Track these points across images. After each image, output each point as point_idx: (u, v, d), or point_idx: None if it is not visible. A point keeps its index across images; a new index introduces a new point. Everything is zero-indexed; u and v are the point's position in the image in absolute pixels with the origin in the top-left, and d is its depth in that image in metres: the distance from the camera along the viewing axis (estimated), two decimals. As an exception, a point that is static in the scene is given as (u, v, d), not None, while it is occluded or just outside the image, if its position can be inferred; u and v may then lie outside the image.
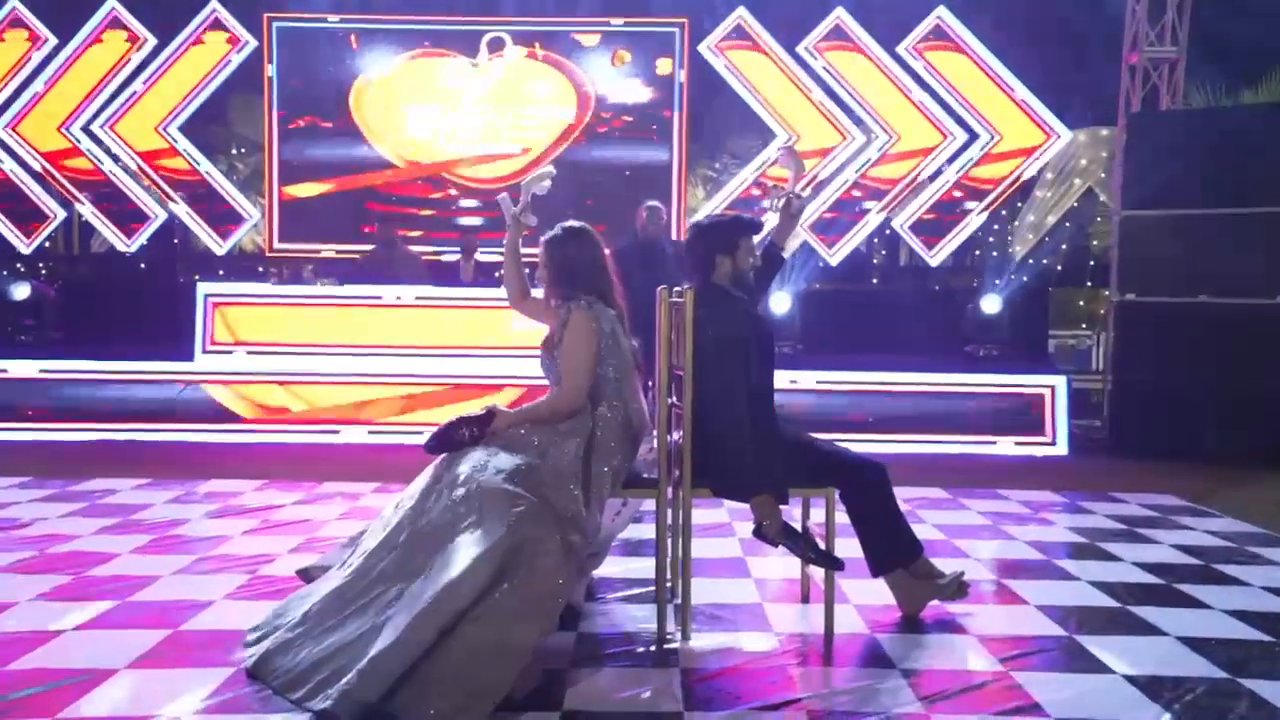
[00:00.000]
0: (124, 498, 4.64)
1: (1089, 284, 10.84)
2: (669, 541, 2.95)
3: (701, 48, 8.59)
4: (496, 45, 8.54)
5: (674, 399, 2.98)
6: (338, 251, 8.62)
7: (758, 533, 2.89)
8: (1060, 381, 6.54)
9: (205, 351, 6.73)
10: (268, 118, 8.65)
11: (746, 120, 9.40)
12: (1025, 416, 6.50)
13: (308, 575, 3.12)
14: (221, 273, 10.02)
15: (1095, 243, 10.75)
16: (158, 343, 6.85)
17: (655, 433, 2.96)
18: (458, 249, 8.04)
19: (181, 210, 8.50)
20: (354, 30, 8.58)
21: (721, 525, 4.15)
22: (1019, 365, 6.89)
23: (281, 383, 6.55)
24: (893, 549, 3.04)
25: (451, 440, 2.78)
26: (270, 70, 8.57)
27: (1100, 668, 2.68)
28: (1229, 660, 2.73)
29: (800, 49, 8.53)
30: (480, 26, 8.57)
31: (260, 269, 10.72)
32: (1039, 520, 4.47)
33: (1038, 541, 4.05)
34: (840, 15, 8.50)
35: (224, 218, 8.71)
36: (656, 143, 8.72)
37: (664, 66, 8.66)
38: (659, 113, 8.71)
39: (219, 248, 8.83)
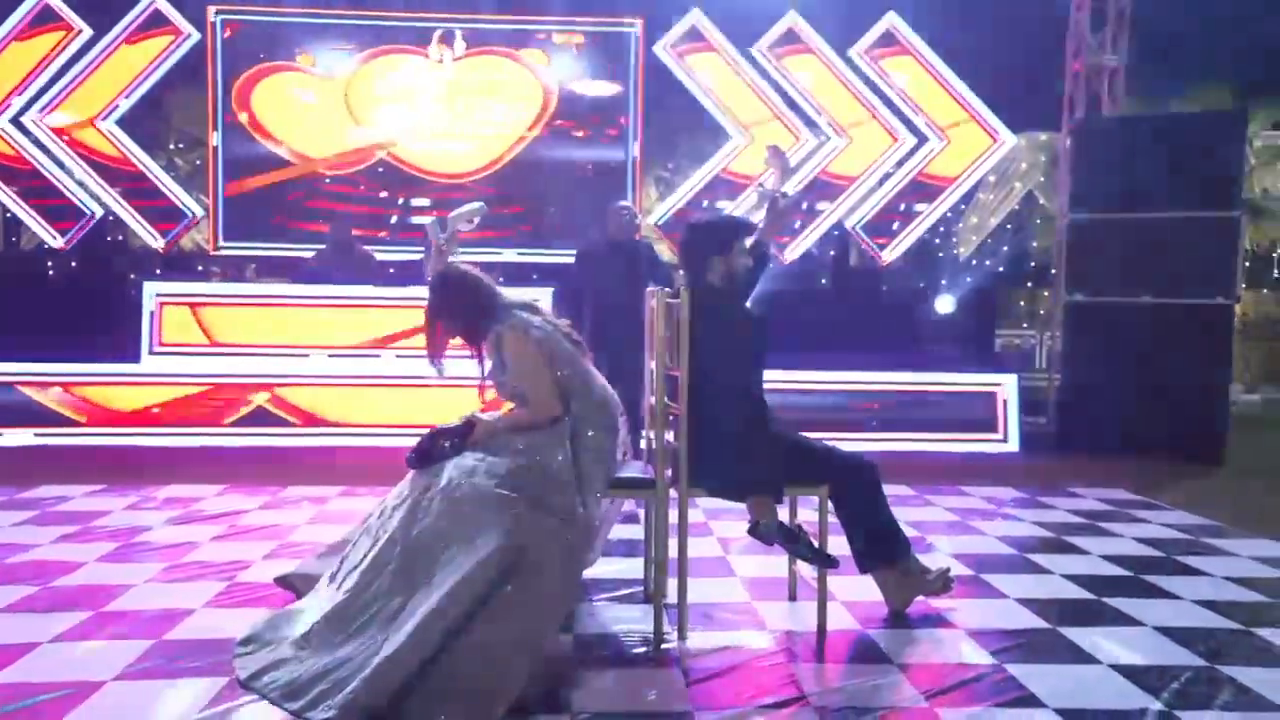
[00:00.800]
0: (78, 504, 4.46)
1: (1030, 285, 11.19)
2: (666, 542, 2.94)
3: (657, 49, 8.62)
4: (448, 40, 8.44)
5: (669, 399, 2.97)
6: (292, 251, 8.41)
7: (753, 531, 2.91)
8: (1011, 380, 6.72)
9: (152, 353, 6.51)
10: (211, 113, 8.41)
11: (700, 121, 9.46)
12: (978, 415, 6.66)
13: (288, 583, 3.05)
14: (159, 271, 9.72)
15: (1035, 244, 11.10)
16: (95, 343, 6.62)
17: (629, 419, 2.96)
18: (420, 248, 7.89)
19: (118, 206, 8.20)
20: (301, 24, 8.39)
21: (699, 525, 4.16)
22: (970, 364, 7.06)
23: (238, 385, 6.37)
24: (883, 546, 3.09)
25: (433, 454, 2.74)
26: (213, 63, 8.34)
27: (1087, 658, 2.76)
28: (1207, 649, 2.84)
29: (754, 51, 8.61)
30: (432, 23, 8.46)
31: (200, 268, 10.43)
32: (1004, 515, 4.59)
33: (1007, 536, 4.15)
34: (793, 18, 8.61)
35: (164, 215, 8.44)
36: (612, 143, 8.71)
37: (616, 69, 8.66)
38: (614, 113, 8.71)
39: (159, 246, 8.55)
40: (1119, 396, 6.36)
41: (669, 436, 2.96)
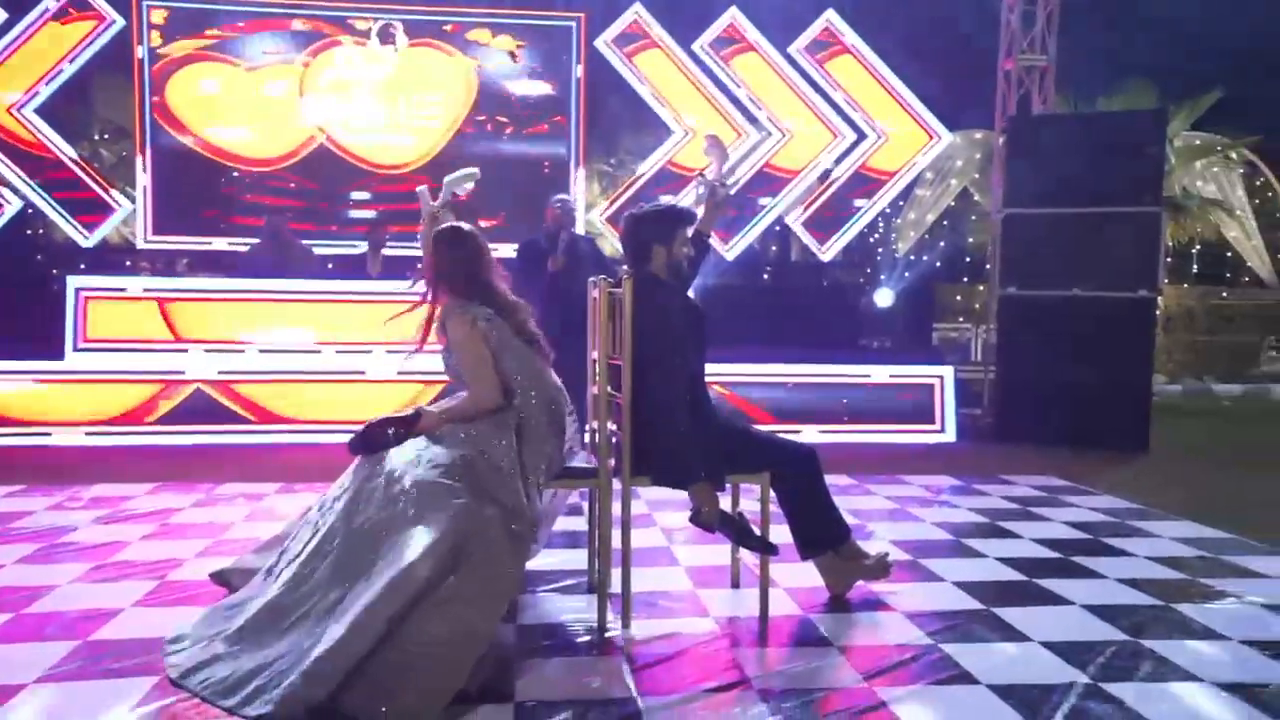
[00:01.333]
0: (-3, 506, 4.30)
1: (965, 279, 11.44)
2: (609, 532, 2.93)
3: (598, 43, 8.60)
4: (388, 35, 8.32)
5: (611, 389, 2.97)
6: (225, 245, 8.21)
7: (696, 519, 2.92)
8: (948, 372, 6.87)
9: (76, 350, 6.30)
10: (138, 102, 8.16)
11: (642, 117, 9.47)
12: (917, 406, 6.79)
13: (223, 578, 2.99)
14: (84, 266, 9.40)
15: (971, 240, 11.35)
16: (16, 341, 6.39)
17: (576, 414, 2.95)
18: (363, 241, 7.77)
19: (39, 198, 7.90)
20: (232, 10, 8.18)
21: (642, 515, 4.17)
22: (909, 357, 7.20)
23: (168, 381, 6.19)
24: (823, 532, 3.13)
25: (377, 440, 2.70)
26: (140, 51, 8.09)
27: (1019, 636, 2.83)
28: (1130, 624, 2.94)
29: (695, 47, 8.65)
30: (372, 10, 8.32)
31: (128, 262, 10.11)
32: (941, 503, 4.68)
33: (944, 522, 4.24)
34: (734, 15, 8.67)
35: (89, 207, 8.16)
36: (554, 137, 8.68)
37: (559, 64, 8.63)
38: (556, 107, 8.67)
39: (85, 239, 8.26)
40: (1051, 387, 6.53)
41: (611, 426, 2.96)
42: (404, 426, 2.71)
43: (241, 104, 8.19)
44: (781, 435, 3.27)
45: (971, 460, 5.93)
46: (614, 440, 2.94)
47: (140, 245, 8.40)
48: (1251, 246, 12.56)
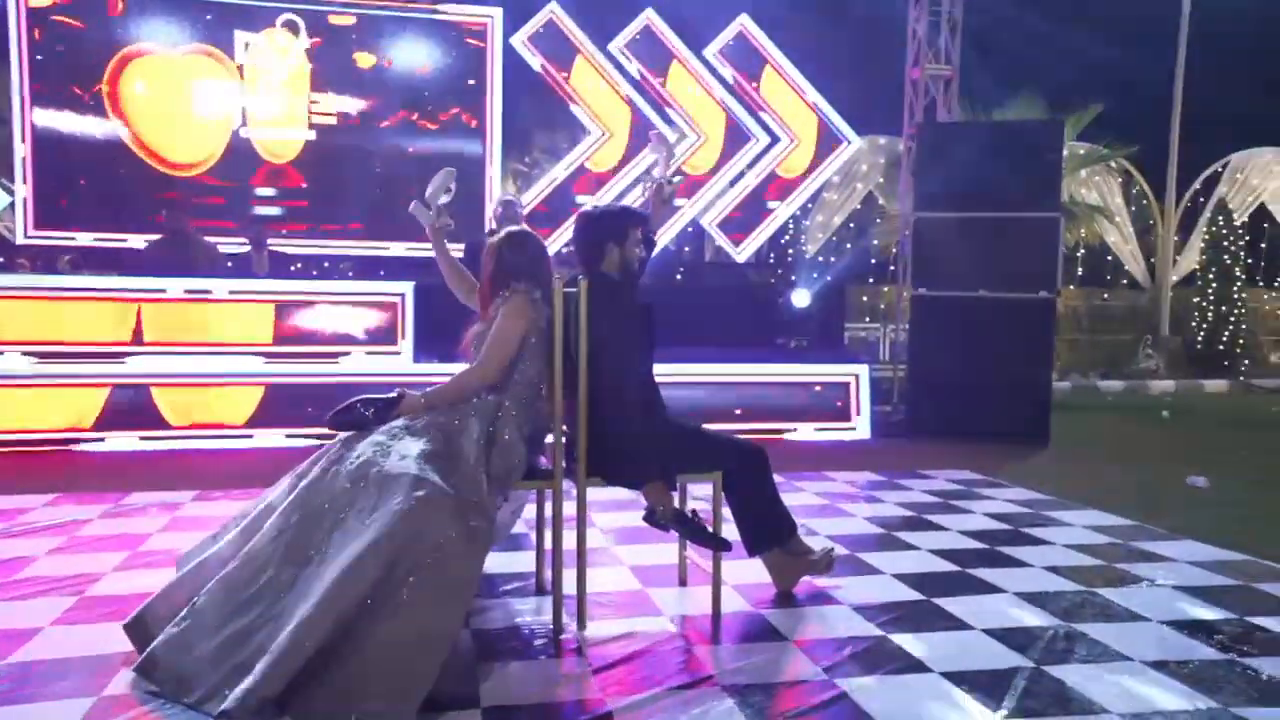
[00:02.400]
0: (-120, 521, 3.97)
1: (871, 280, 11.81)
2: (561, 533, 2.91)
3: (513, 40, 8.53)
4: (291, 28, 8.05)
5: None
6: (115, 242, 7.79)
7: (650, 518, 2.94)
8: (863, 371, 7.07)
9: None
10: (19, 89, 7.66)
11: (557, 115, 9.44)
12: (834, 404, 6.97)
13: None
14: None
15: (876, 242, 11.71)
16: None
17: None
18: (245, 241, 7.48)
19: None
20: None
21: (570, 517, 4.14)
22: (825, 356, 7.38)
23: (64, 385, 5.82)
24: (771, 529, 3.18)
25: (353, 420, 2.63)
26: (19, 35, 7.60)
27: (961, 624, 2.94)
28: (1058, 609, 3.10)
29: (611, 48, 8.68)
30: (278, 5, 8.03)
31: (1, 259, 9.50)
32: (867, 498, 4.82)
33: (874, 517, 4.37)
34: (649, 16, 8.73)
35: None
36: (468, 135, 8.55)
37: (473, 60, 8.52)
38: (471, 105, 8.55)
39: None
40: (959, 384, 6.81)
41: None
42: (383, 407, 2.66)
43: (143, 90, 7.79)
44: (730, 434, 3.30)
45: (888, 456, 6.12)
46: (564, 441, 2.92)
47: (21, 241, 7.89)
48: (1129, 250, 13.36)
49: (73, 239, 7.97)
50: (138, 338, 6.04)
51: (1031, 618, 3.01)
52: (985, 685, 2.47)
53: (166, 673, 2.26)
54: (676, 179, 3.64)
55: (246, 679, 2.11)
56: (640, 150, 8.59)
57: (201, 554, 2.65)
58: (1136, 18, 13.49)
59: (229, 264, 7.47)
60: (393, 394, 2.68)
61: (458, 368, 2.71)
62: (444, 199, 3.09)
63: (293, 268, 8.47)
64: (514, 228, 3.04)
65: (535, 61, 8.54)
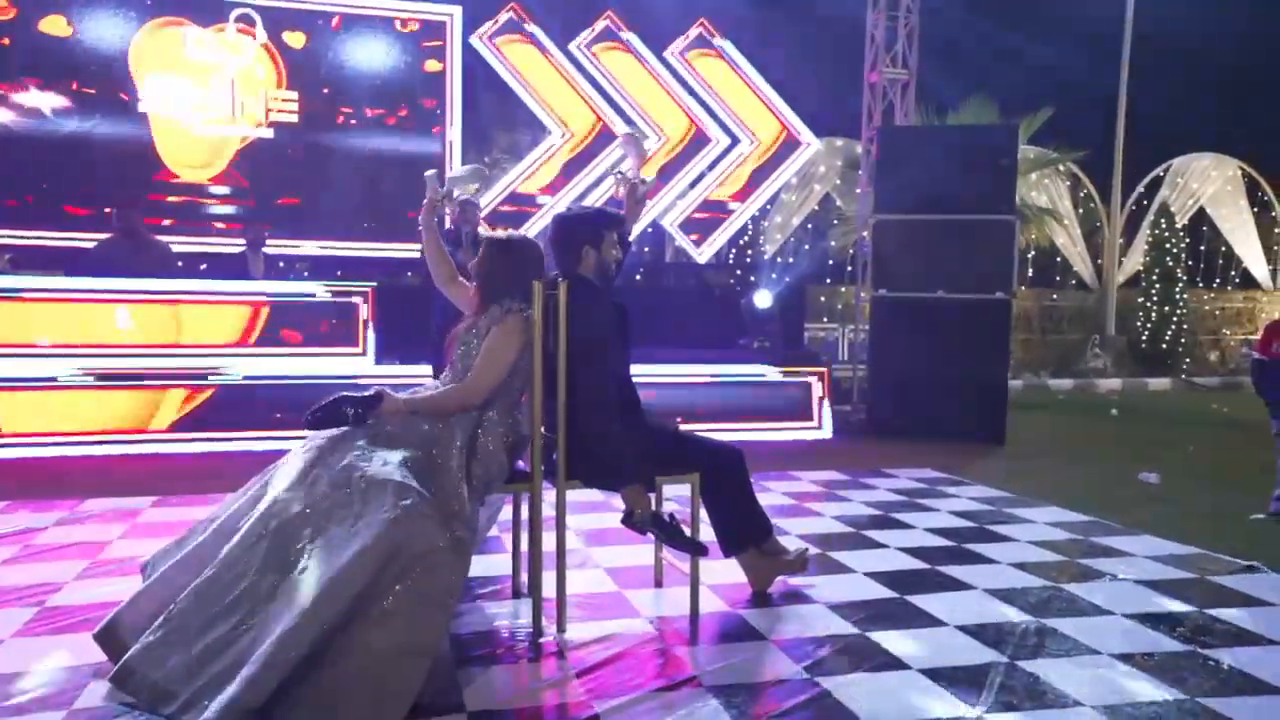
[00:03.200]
0: None
1: (829, 281, 11.93)
2: (540, 536, 2.90)
3: (473, 39, 8.48)
4: (246, 22, 7.91)
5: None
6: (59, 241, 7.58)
7: (628, 521, 2.94)
8: (824, 371, 7.15)
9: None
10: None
11: (518, 115, 9.39)
12: (795, 404, 7.04)
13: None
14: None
15: (833, 244, 11.84)
16: None
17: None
18: (241, 241, 7.35)
19: None
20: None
21: (548, 518, 4.13)
22: (786, 356, 7.44)
23: (6, 389, 5.65)
24: (748, 529, 3.21)
25: (333, 417, 2.58)
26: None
27: (934, 621, 3.00)
28: (1027, 604, 3.17)
29: (572, 47, 8.67)
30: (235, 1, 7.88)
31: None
32: (834, 497, 4.88)
33: (842, 515, 4.43)
34: (610, 17, 8.74)
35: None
36: (426, 133, 8.47)
37: (433, 58, 8.45)
38: (430, 103, 8.48)
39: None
40: (919, 384, 6.92)
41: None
42: (364, 407, 2.60)
43: (82, 75, 7.59)
44: (706, 435, 3.32)
45: (851, 455, 6.20)
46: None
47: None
48: (1077, 252, 13.69)
49: (12, 237, 7.74)
50: (100, 341, 5.91)
51: (1002, 613, 3.07)
52: (963, 681, 2.52)
53: (142, 683, 2.21)
54: (649, 179, 3.64)
55: (228, 689, 2.07)
56: (600, 150, 8.59)
57: (169, 559, 2.59)
58: (1083, 24, 13.86)
59: (179, 264, 7.31)
60: (371, 393, 2.64)
61: (421, 370, 2.70)
62: (460, 191, 3.05)
63: (281, 265, 8.32)
64: (515, 233, 2.99)
65: (495, 60, 8.49)
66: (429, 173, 3.06)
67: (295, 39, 8.07)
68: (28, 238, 7.66)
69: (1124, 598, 3.25)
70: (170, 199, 7.84)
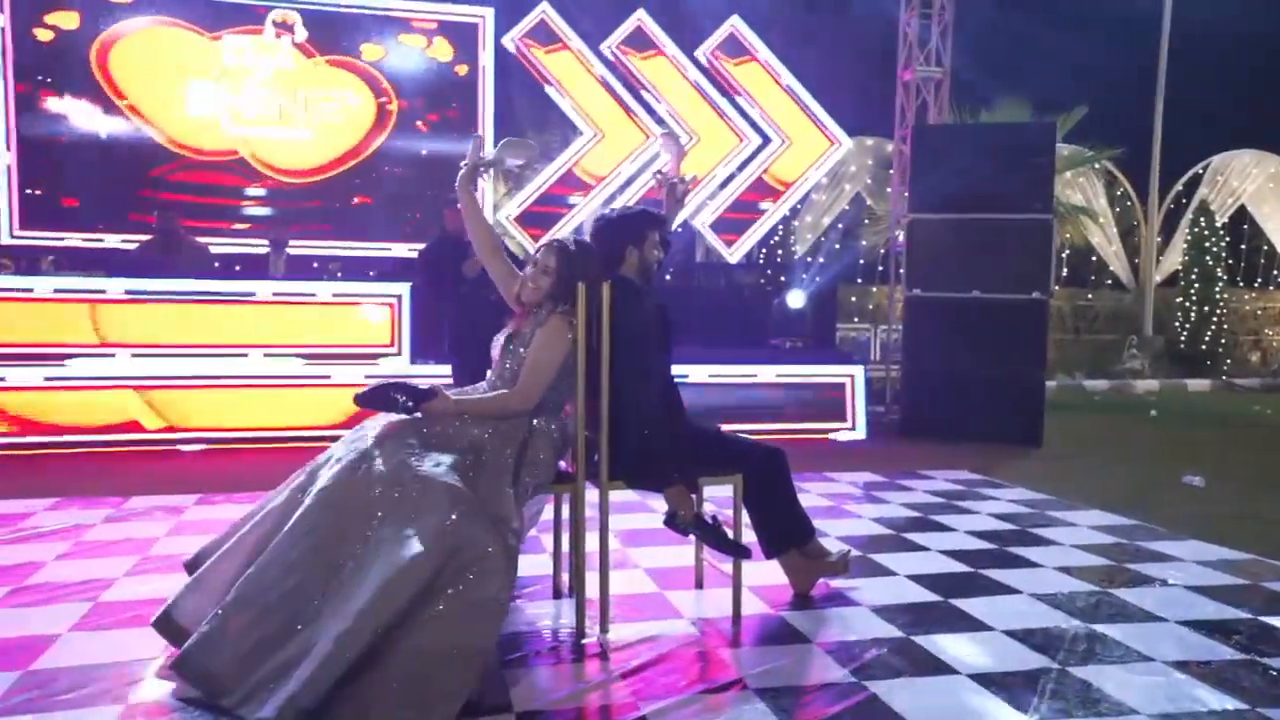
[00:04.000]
0: (-123, 527, 3.89)
1: (860, 281, 11.86)
2: (584, 537, 2.90)
3: (505, 40, 8.50)
4: (284, 27, 7.99)
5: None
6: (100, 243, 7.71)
7: (670, 523, 2.93)
8: (859, 371, 7.11)
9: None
10: (2, 84, 7.56)
11: (549, 116, 9.41)
12: (829, 404, 7.00)
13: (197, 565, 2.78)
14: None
15: (865, 243, 11.76)
16: None
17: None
18: (264, 241, 7.44)
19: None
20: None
21: (591, 519, 4.13)
22: (819, 356, 7.41)
23: (54, 388, 5.74)
24: (790, 531, 3.19)
25: (383, 401, 2.58)
26: (3, 35, 7.51)
27: (980, 625, 2.96)
28: (1075, 609, 3.12)
29: (603, 48, 8.66)
30: (270, 2, 7.97)
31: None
32: (871, 498, 4.84)
33: (881, 517, 4.39)
34: (641, 17, 8.73)
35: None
36: (458, 136, 8.51)
37: (465, 60, 8.49)
38: (461, 105, 8.52)
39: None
40: (954, 385, 6.86)
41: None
42: (415, 398, 2.59)
43: (124, 88, 7.71)
44: (748, 436, 3.31)
45: (886, 456, 6.15)
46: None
47: (9, 240, 7.78)
48: (1113, 251, 13.51)
49: (60, 239, 7.88)
50: (132, 340, 5.99)
51: (1052, 619, 3.03)
52: (1014, 686, 2.49)
53: (200, 673, 2.24)
54: (689, 178, 3.63)
55: (286, 686, 2.09)
56: (631, 150, 8.59)
57: (217, 550, 2.61)
58: (1119, 20, 13.66)
59: (215, 265, 7.41)
60: (428, 386, 2.65)
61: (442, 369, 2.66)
62: (509, 161, 3.03)
63: (314, 265, 8.41)
64: (578, 237, 2.97)
65: (525, 61, 8.51)
66: (475, 135, 3.03)
67: (329, 42, 8.14)
68: (73, 240, 7.80)
69: (1176, 603, 3.19)
70: (206, 200, 7.94)
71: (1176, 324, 12.78)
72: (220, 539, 2.68)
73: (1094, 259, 13.52)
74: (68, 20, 7.60)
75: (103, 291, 6.06)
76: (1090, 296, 13.28)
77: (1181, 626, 2.98)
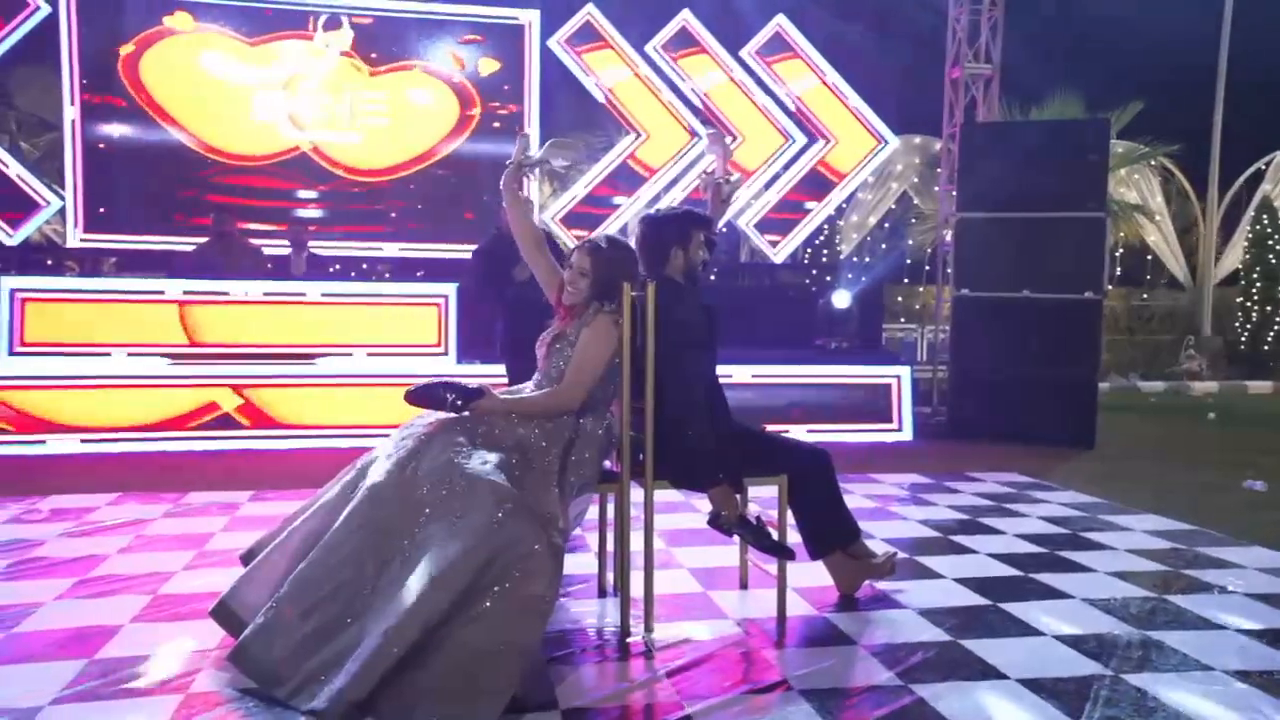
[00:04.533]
0: (-51, 520, 4.04)
1: (906, 281, 11.73)
2: (629, 536, 2.91)
3: (550, 43, 8.55)
4: (332, 24, 8.14)
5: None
6: (161, 245, 7.92)
7: (715, 523, 2.93)
8: (905, 372, 7.03)
9: (13, 353, 5.98)
10: (69, 94, 7.80)
11: (595, 117, 9.45)
12: (875, 405, 6.93)
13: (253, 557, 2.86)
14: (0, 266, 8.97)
15: (911, 243, 11.62)
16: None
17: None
18: (286, 242, 7.58)
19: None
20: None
21: (635, 519, 4.14)
22: (866, 357, 7.34)
23: (112, 386, 5.92)
24: (835, 532, 3.17)
25: (433, 398, 2.63)
26: (68, 40, 7.74)
27: (1030, 630, 2.92)
28: (1130, 615, 3.06)
29: (648, 49, 8.68)
30: (317, 7, 8.12)
31: (50, 261, 9.69)
32: (918, 500, 4.79)
33: (928, 520, 4.34)
34: (686, 17, 8.73)
35: (10, 204, 7.77)
36: (504, 137, 8.58)
37: (512, 63, 8.58)
38: (508, 106, 8.59)
39: (9, 237, 7.87)
40: (1003, 386, 6.75)
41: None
42: (464, 397, 2.64)
43: (199, 92, 7.93)
44: (792, 436, 3.29)
45: (932, 458, 6.07)
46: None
47: (74, 244, 8.04)
48: (1169, 250, 13.18)
49: (121, 242, 8.12)
50: (192, 340, 6.15)
51: (1104, 624, 2.97)
52: (1065, 693, 2.45)
53: (255, 663, 2.30)
54: (735, 177, 3.63)
55: (337, 679, 2.14)
56: (676, 151, 8.59)
57: (270, 544, 2.67)
58: (1178, 11, 13.31)
59: (269, 265, 7.56)
60: (476, 385, 2.68)
61: (496, 369, 2.70)
62: (554, 161, 3.07)
63: (331, 269, 8.56)
64: (612, 235, 2.99)
65: (571, 63, 8.56)
66: (524, 133, 3.07)
67: (377, 44, 8.26)
68: (133, 242, 8.02)
69: (1237, 611, 3.11)
70: (259, 203, 8.11)
71: (1237, 324, 12.43)
72: (274, 532, 2.75)
73: (1149, 258, 13.21)
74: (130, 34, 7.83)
75: (161, 293, 6.22)
76: (1145, 296, 12.98)
77: (1242, 635, 2.90)
